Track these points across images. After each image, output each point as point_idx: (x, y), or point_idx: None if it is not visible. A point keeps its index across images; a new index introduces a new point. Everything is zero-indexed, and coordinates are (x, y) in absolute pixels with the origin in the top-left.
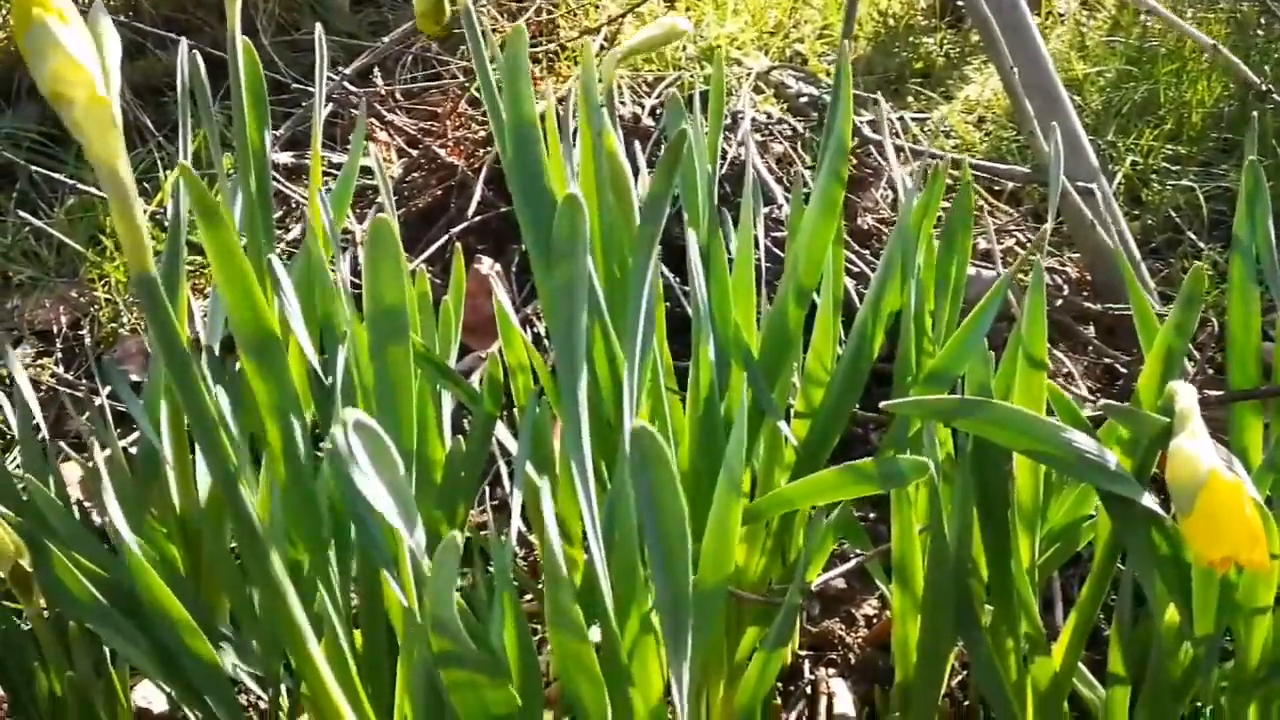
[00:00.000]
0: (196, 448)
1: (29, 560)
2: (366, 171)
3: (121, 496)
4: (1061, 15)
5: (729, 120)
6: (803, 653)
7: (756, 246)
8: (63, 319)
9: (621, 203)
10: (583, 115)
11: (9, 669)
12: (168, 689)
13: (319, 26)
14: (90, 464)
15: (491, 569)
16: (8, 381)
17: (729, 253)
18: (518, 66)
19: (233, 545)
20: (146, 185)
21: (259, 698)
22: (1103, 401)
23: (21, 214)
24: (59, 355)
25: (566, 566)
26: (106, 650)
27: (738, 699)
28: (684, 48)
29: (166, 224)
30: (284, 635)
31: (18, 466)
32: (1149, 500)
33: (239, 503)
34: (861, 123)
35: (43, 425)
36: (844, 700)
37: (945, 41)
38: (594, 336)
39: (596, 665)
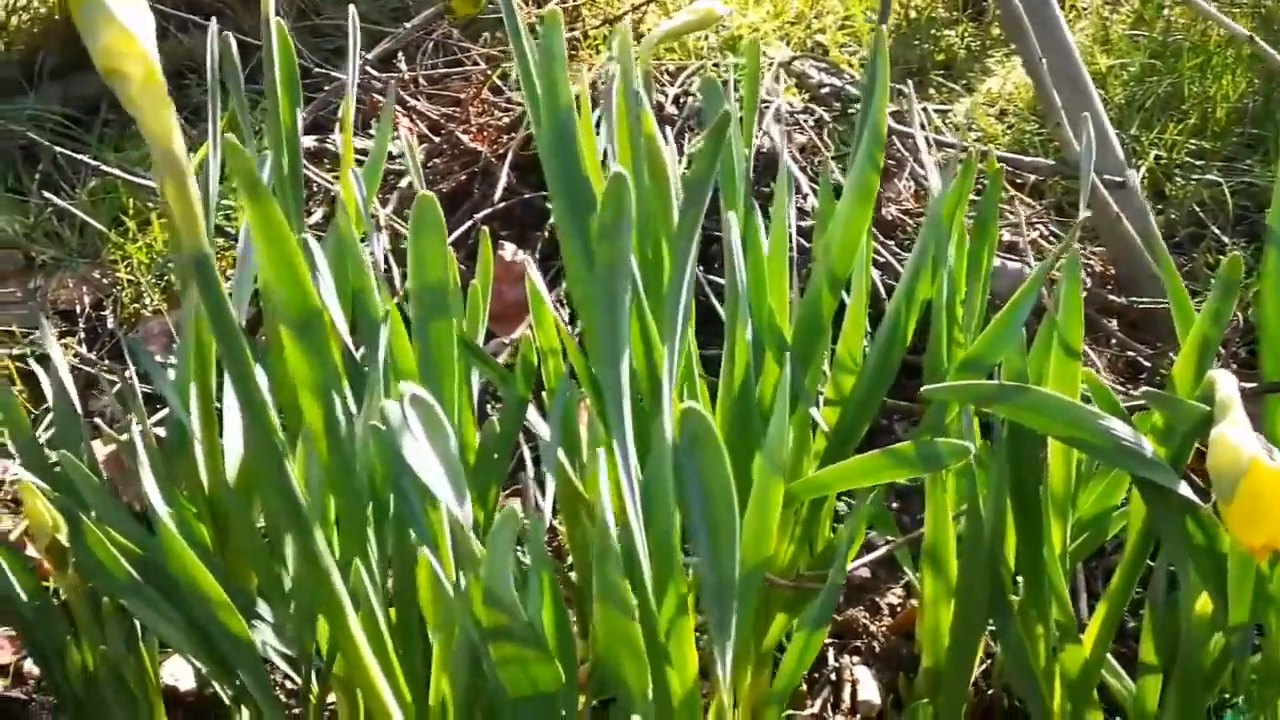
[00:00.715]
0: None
1: (65, 534)
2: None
3: (153, 474)
4: (1084, 9)
5: None
6: (827, 640)
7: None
8: (85, 299)
9: (659, 185)
10: (620, 98)
11: (41, 643)
12: (199, 665)
13: (352, 9)
14: (125, 437)
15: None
16: (30, 361)
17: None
18: (553, 52)
19: (260, 525)
20: None
21: (286, 676)
22: (1143, 389)
23: (46, 194)
24: (82, 335)
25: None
26: (137, 627)
27: (777, 682)
28: (706, 37)
29: None
30: (324, 610)
31: (44, 443)
32: (1184, 489)
33: (284, 478)
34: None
35: (77, 402)
36: (868, 687)
37: (966, 34)
38: (630, 318)
39: (642, 643)
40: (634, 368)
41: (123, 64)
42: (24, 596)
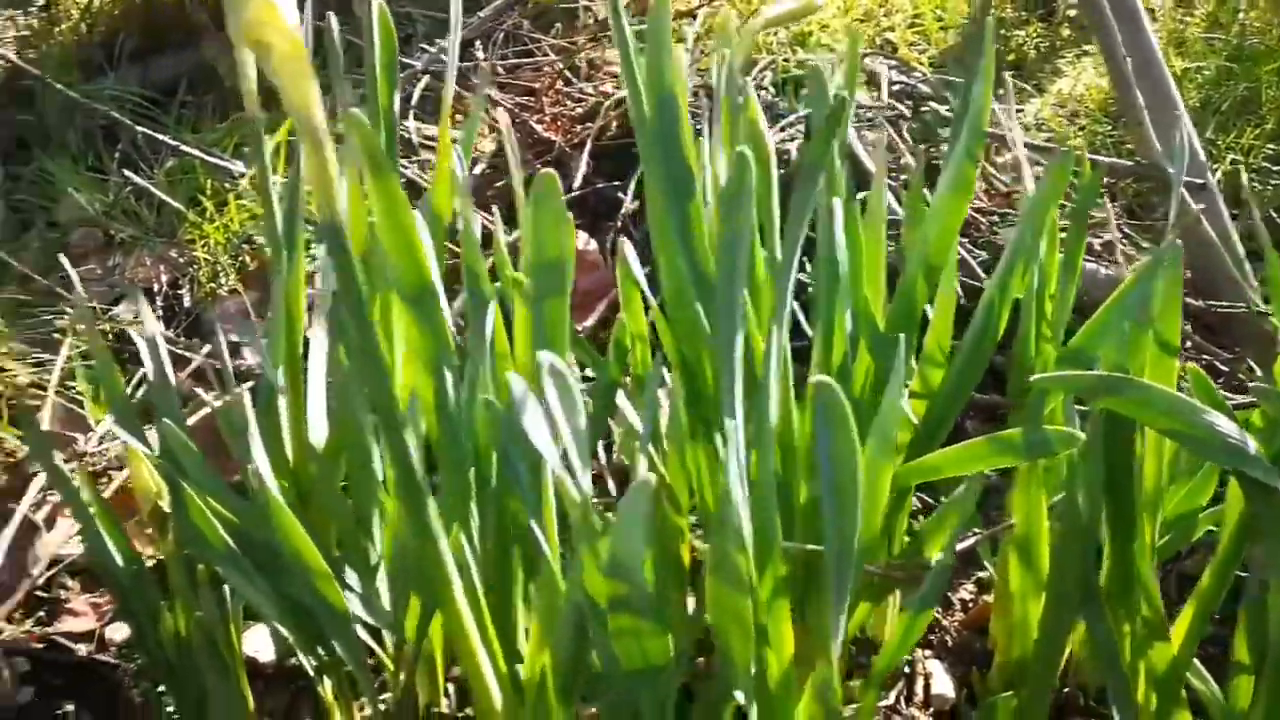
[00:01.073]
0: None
1: (166, 501)
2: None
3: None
4: (1156, 11)
5: None
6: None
7: None
8: (162, 277)
9: (761, 169)
10: (721, 84)
11: (135, 608)
12: (287, 635)
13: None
14: (223, 402)
15: None
16: (112, 338)
17: None
18: (661, 37)
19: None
20: (247, 149)
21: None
22: (1253, 384)
23: (126, 173)
24: (159, 313)
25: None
26: (227, 595)
27: (879, 661)
28: (775, 33)
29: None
30: (430, 581)
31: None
32: None
33: (401, 444)
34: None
35: (171, 374)
36: (941, 681)
37: (1036, 35)
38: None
39: (751, 619)
40: None
41: (266, 35)
42: (120, 562)
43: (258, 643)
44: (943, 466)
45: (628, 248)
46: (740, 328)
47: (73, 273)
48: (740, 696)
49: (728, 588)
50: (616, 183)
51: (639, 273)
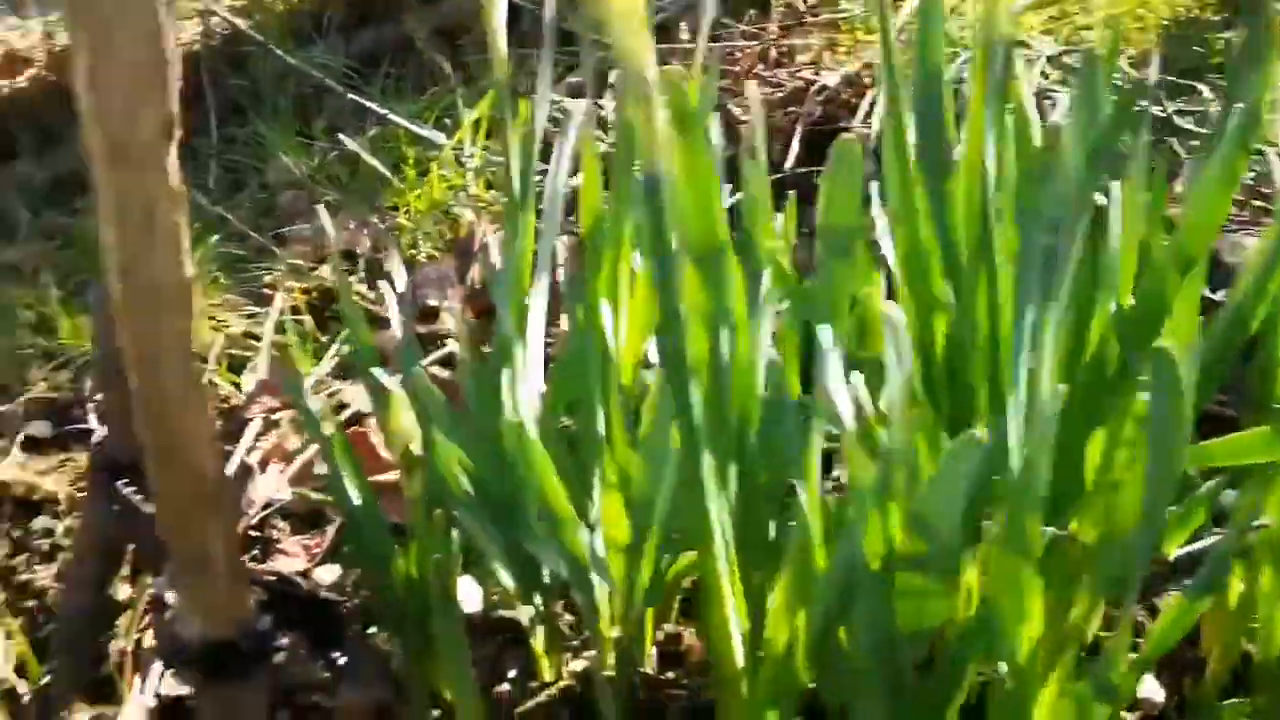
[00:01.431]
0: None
1: (419, 444)
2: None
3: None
4: None
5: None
6: (1104, 635)
7: None
8: (365, 242)
9: (1024, 153)
10: (979, 65)
11: (366, 546)
12: (508, 585)
13: None
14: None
15: None
16: (317, 296)
17: None
18: (934, 13)
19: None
20: (447, 121)
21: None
22: None
23: (340, 136)
24: (362, 275)
25: None
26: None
27: (1146, 648)
28: (963, 27)
29: (463, 159)
30: (696, 536)
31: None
32: None
33: (687, 398)
34: (1170, 112)
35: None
36: (1148, 684)
37: (1239, 37)
38: (980, 279)
39: (1035, 591)
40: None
41: None
42: (356, 500)
43: (465, 593)
44: (1215, 456)
45: (881, 225)
46: (1038, 307)
47: (326, 222)
48: (1003, 668)
49: (1014, 556)
50: (818, 170)
51: (888, 252)
